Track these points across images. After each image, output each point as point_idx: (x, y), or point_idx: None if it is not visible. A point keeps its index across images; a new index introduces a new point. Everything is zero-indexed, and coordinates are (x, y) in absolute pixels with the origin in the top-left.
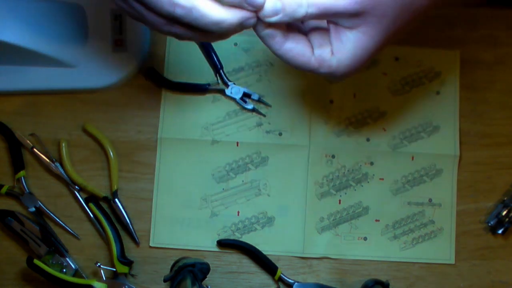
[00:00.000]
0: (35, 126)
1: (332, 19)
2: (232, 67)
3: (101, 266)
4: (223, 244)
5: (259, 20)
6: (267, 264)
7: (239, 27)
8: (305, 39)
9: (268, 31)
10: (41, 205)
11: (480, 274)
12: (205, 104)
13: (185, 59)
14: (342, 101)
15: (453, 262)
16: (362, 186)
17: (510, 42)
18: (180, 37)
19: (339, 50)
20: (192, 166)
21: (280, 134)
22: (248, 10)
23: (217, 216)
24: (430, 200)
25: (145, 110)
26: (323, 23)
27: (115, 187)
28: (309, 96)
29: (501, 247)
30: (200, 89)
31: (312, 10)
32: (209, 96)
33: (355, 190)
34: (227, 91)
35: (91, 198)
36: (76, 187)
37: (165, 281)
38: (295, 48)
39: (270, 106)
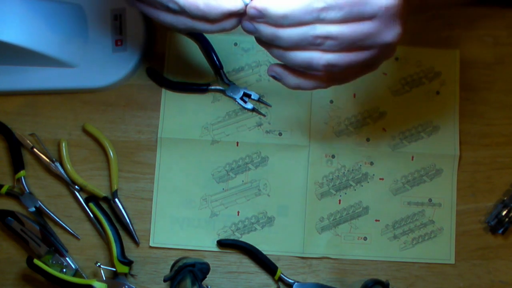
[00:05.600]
0: (35, 126)
1: None
2: (232, 67)
3: (101, 266)
4: (223, 244)
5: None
6: (267, 264)
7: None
8: None
9: None
10: (41, 205)
11: (480, 274)
12: (205, 104)
13: (185, 59)
14: (342, 101)
15: (453, 262)
16: (362, 186)
17: (510, 42)
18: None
19: None
20: (192, 166)
21: (280, 134)
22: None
23: (217, 216)
24: (430, 200)
25: (145, 110)
26: None
27: (115, 187)
28: (309, 96)
29: (501, 247)
30: (200, 89)
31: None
32: (209, 96)
33: (355, 190)
34: (227, 91)
35: (91, 198)
36: (76, 187)
37: (165, 281)
38: None
39: (270, 106)
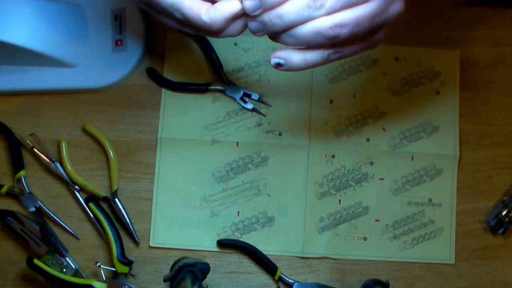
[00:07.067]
0: (35, 126)
1: None
2: (232, 67)
3: (101, 266)
4: (223, 244)
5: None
6: (267, 264)
7: (228, 23)
8: None
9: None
10: (41, 205)
11: (480, 274)
12: (205, 104)
13: (185, 59)
14: (342, 101)
15: (453, 262)
16: (362, 186)
17: (510, 42)
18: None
19: None
20: (192, 166)
21: (280, 134)
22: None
23: (217, 216)
24: (430, 200)
25: (145, 110)
26: None
27: (115, 187)
28: (309, 96)
29: (501, 247)
30: (200, 89)
31: None
32: (209, 96)
33: (355, 190)
34: (227, 91)
35: (91, 198)
36: (76, 187)
37: (165, 281)
38: None
39: (270, 106)
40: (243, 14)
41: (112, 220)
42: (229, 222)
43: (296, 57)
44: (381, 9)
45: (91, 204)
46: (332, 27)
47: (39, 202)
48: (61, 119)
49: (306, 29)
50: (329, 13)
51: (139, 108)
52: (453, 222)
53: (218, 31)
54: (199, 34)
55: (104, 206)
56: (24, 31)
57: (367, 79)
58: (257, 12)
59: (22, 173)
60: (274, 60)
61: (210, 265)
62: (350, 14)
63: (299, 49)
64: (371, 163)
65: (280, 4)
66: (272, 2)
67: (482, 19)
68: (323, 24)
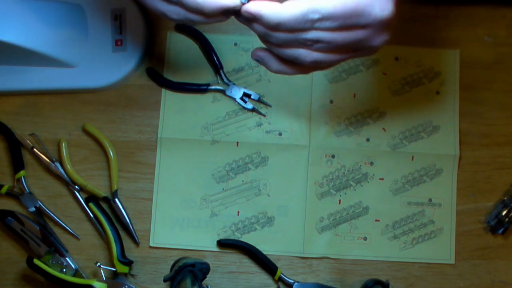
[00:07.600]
0: (35, 126)
1: None
2: (232, 67)
3: (101, 266)
4: (223, 244)
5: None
6: (267, 264)
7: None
8: None
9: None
10: (41, 205)
11: (480, 274)
12: (205, 104)
13: (185, 59)
14: (342, 101)
15: (453, 262)
16: (362, 186)
17: (510, 42)
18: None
19: None
20: (192, 166)
21: (280, 134)
22: None
23: (217, 216)
24: (430, 200)
25: (145, 110)
26: None
27: (115, 187)
28: (309, 96)
29: (501, 247)
30: (200, 89)
31: None
32: (209, 96)
33: (355, 190)
34: (227, 91)
35: (91, 198)
36: (76, 187)
37: (165, 281)
38: None
39: (270, 106)
40: (237, 11)
41: (112, 220)
42: (229, 222)
43: (274, 65)
44: (361, 55)
45: (91, 204)
46: (311, 62)
47: (39, 202)
48: (61, 119)
49: (288, 52)
50: (314, 50)
51: (139, 108)
52: (453, 222)
53: (208, 16)
54: (186, 19)
55: (104, 206)
56: (24, 31)
57: (367, 79)
58: (252, 21)
59: (22, 173)
60: (254, 57)
61: (210, 265)
62: (332, 57)
63: (279, 58)
64: (371, 163)
65: (275, 30)
66: (269, 22)
67: (482, 19)
68: (304, 56)
